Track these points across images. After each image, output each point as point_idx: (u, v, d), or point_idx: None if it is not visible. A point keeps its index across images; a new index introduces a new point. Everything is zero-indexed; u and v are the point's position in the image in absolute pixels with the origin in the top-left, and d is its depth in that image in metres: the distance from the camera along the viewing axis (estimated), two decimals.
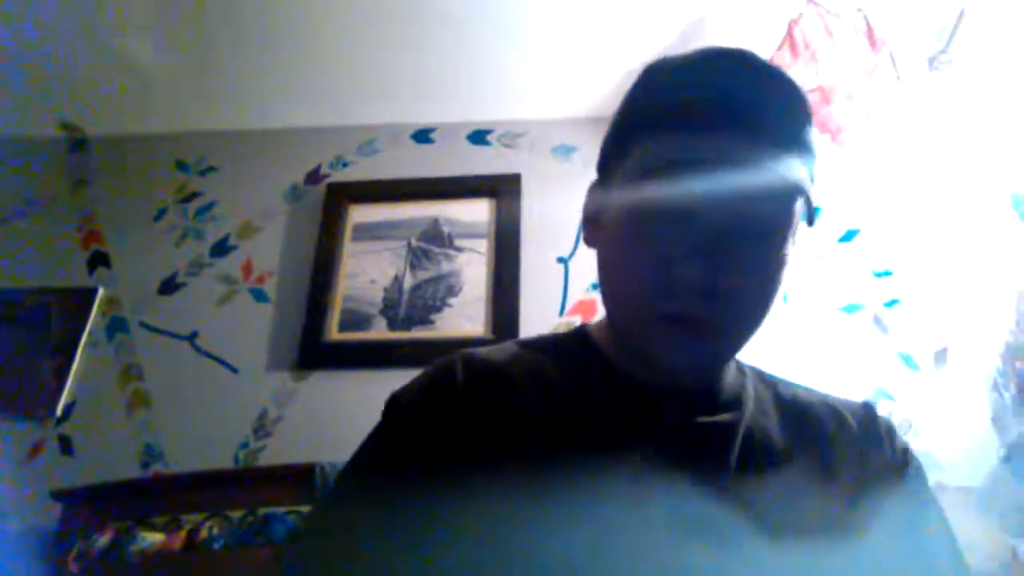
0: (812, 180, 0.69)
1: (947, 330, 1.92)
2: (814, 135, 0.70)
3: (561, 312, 2.20)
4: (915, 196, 2.06)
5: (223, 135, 2.67)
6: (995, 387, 1.70)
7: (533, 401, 0.72)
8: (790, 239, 0.67)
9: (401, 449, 0.72)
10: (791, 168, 0.64)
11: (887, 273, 2.06)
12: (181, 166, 2.62)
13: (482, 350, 0.80)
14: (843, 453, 0.73)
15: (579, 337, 0.82)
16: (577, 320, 2.17)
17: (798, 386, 0.82)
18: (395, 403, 0.77)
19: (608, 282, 0.73)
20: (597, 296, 2.20)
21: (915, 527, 0.71)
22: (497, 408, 0.71)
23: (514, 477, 0.64)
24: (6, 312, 2.30)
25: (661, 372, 0.70)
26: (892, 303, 2.03)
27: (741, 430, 0.71)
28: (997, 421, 1.69)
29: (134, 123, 2.67)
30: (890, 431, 0.77)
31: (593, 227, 0.78)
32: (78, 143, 2.71)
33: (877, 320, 2.02)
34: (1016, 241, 1.79)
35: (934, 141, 2.04)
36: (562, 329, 2.09)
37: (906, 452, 0.76)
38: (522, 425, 0.69)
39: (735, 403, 0.74)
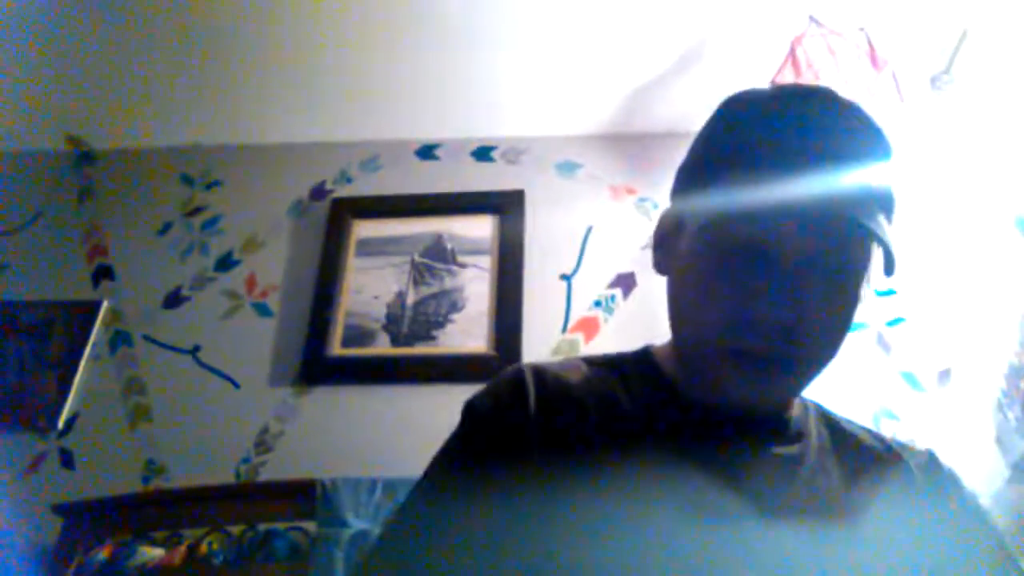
0: (891, 223, 0.70)
1: (951, 350, 1.91)
2: (894, 177, 0.71)
3: (564, 329, 2.20)
4: (919, 216, 2.06)
5: (228, 149, 2.68)
6: (999, 407, 1.70)
7: (601, 421, 0.71)
8: (865, 282, 0.68)
9: (477, 453, 0.72)
10: (870, 214, 0.64)
11: (891, 292, 2.06)
12: (186, 180, 2.63)
13: (549, 364, 0.80)
14: (903, 497, 0.72)
15: (645, 359, 0.81)
16: (580, 337, 2.17)
17: (858, 425, 0.82)
18: (471, 409, 0.77)
19: (681, 311, 0.73)
20: (600, 313, 2.21)
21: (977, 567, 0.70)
22: (565, 423, 0.71)
23: (578, 492, 0.64)
24: (9, 324, 2.31)
25: (730, 405, 0.69)
26: (896, 322, 2.02)
27: (807, 462, 0.71)
28: (1001, 441, 1.68)
29: (140, 137, 2.69)
30: (954, 479, 0.76)
31: (665, 254, 0.78)
32: (84, 156, 2.72)
33: (881, 339, 2.01)
34: (1020, 261, 1.79)
35: (937, 161, 2.04)
36: (564, 345, 2.11)
37: (973, 500, 0.76)
38: (590, 445, 0.69)
39: (800, 436, 0.74)
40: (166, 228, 2.53)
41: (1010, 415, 1.66)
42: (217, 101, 2.52)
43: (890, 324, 2.02)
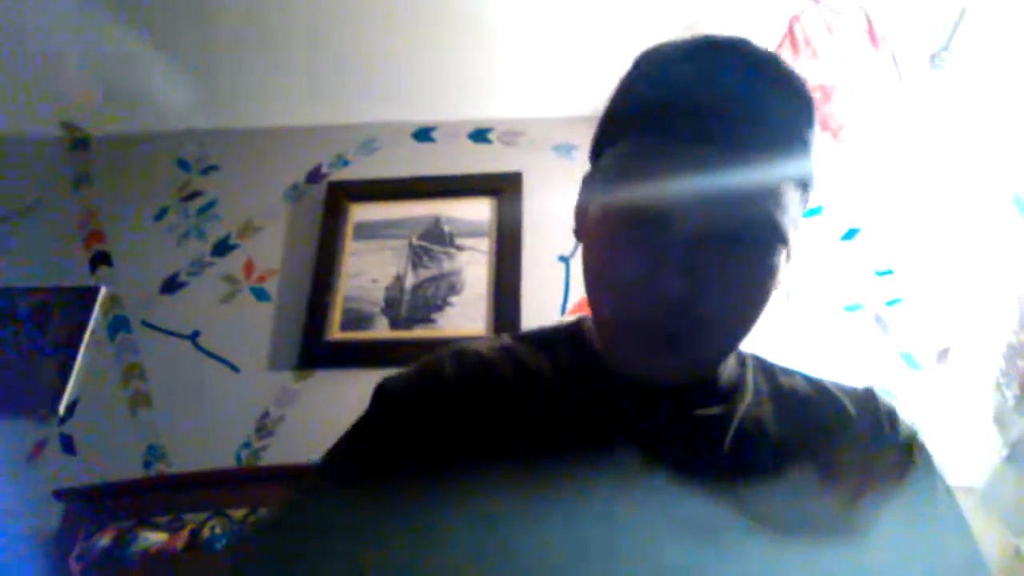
0: (808, 183, 0.67)
1: (949, 329, 1.91)
2: (814, 135, 0.67)
3: (563, 311, 2.20)
4: (917, 194, 2.05)
5: (224, 133, 2.66)
6: (997, 387, 1.70)
7: (522, 397, 0.70)
8: (779, 249, 0.64)
9: (385, 438, 0.71)
10: (778, 196, 0.62)
11: (889, 272, 2.06)
12: (182, 165, 2.62)
13: (474, 344, 0.79)
14: (842, 443, 0.70)
15: (574, 332, 0.80)
16: None
17: (798, 373, 0.79)
18: (382, 391, 0.76)
19: (589, 282, 0.70)
20: None
21: (924, 516, 0.67)
22: (484, 403, 0.70)
23: (499, 473, 0.63)
24: (8, 311, 2.31)
25: (641, 376, 0.67)
26: (894, 302, 2.02)
27: (735, 422, 0.69)
28: (999, 421, 1.68)
29: (135, 122, 2.67)
30: (891, 416, 0.73)
31: (581, 221, 0.75)
32: (79, 142, 2.71)
33: (878, 319, 2.01)
34: (1018, 240, 1.78)
35: (936, 139, 2.03)
36: None
37: (911, 437, 0.72)
38: (509, 421, 0.68)
39: (731, 395, 0.72)
40: (163, 213, 2.52)
41: (1008, 394, 1.66)
42: (212, 85, 2.50)
43: (888, 304, 2.02)
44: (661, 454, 0.64)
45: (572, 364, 0.74)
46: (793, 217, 0.64)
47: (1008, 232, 1.81)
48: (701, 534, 0.60)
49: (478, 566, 0.59)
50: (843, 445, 0.70)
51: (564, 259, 2.28)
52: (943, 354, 1.90)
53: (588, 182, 0.76)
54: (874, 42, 1.85)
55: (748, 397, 0.72)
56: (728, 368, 0.74)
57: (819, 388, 0.76)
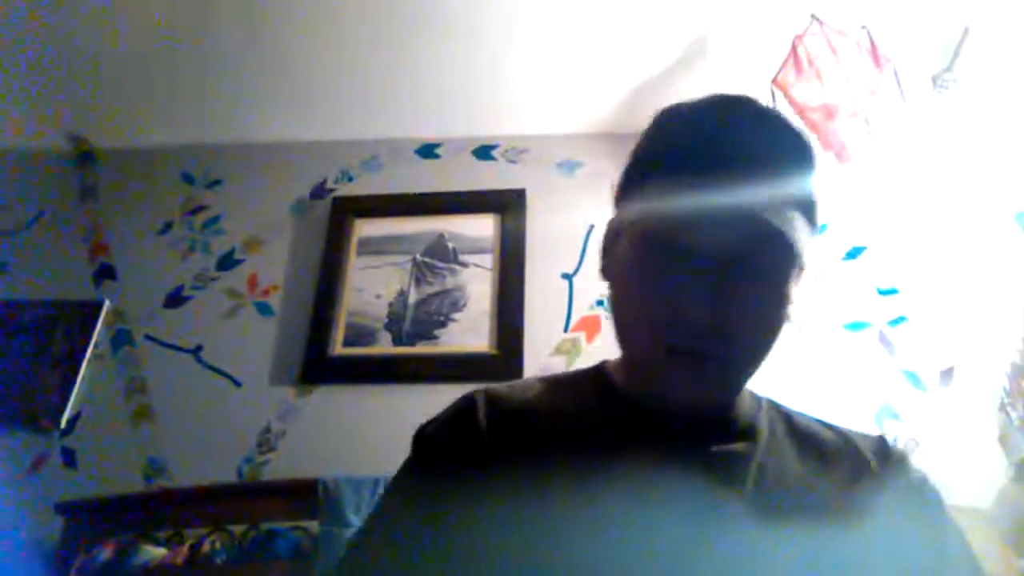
0: (814, 224, 0.72)
1: (953, 348, 1.91)
2: (815, 181, 0.73)
3: (566, 328, 2.20)
4: (920, 214, 2.06)
5: (229, 148, 2.68)
6: (1002, 406, 1.70)
7: (552, 436, 0.74)
8: (792, 278, 0.70)
9: (428, 483, 0.74)
10: (780, 213, 0.66)
11: (893, 291, 2.06)
12: (187, 179, 2.63)
13: (503, 387, 0.82)
14: (858, 485, 0.73)
15: (596, 373, 0.84)
16: (582, 336, 2.17)
17: (811, 418, 0.83)
18: (420, 437, 0.80)
19: (619, 316, 0.76)
20: (602, 312, 2.20)
21: (935, 556, 0.70)
22: (516, 444, 0.73)
23: (535, 511, 0.66)
24: (12, 324, 2.31)
25: (672, 404, 0.71)
26: (898, 321, 2.02)
27: (756, 459, 0.72)
28: (1004, 440, 1.68)
29: (141, 136, 2.69)
30: (904, 462, 0.77)
31: (608, 261, 0.81)
32: (85, 156, 2.72)
33: (883, 338, 2.01)
34: (1022, 259, 1.78)
35: (939, 159, 2.04)
36: (566, 344, 2.11)
37: (925, 484, 0.75)
38: (542, 462, 0.71)
39: (749, 432, 0.75)
40: (167, 227, 2.53)
41: (1013, 414, 1.66)
42: (217, 100, 2.52)
43: (892, 323, 2.02)
44: (685, 487, 0.68)
45: (597, 403, 0.78)
46: (804, 243, 0.69)
47: (1012, 251, 1.81)
48: (722, 568, 0.63)
49: None
50: (859, 487, 0.73)
51: (568, 276, 2.29)
52: (947, 373, 1.89)
53: (614, 225, 0.81)
54: (877, 63, 1.86)
55: (765, 435, 0.76)
56: (744, 406, 0.78)
57: (834, 431, 0.80)
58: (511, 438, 0.74)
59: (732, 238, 0.66)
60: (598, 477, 0.69)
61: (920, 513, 0.73)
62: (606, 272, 0.81)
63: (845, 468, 0.74)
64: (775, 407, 0.82)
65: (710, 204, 0.66)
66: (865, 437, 0.79)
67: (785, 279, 0.69)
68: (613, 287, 0.78)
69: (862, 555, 0.66)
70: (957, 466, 1.67)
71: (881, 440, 0.79)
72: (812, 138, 0.74)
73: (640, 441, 0.72)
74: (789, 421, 0.80)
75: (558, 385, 0.83)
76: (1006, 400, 1.69)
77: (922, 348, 1.96)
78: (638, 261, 0.71)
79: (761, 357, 0.71)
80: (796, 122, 0.73)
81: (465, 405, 0.79)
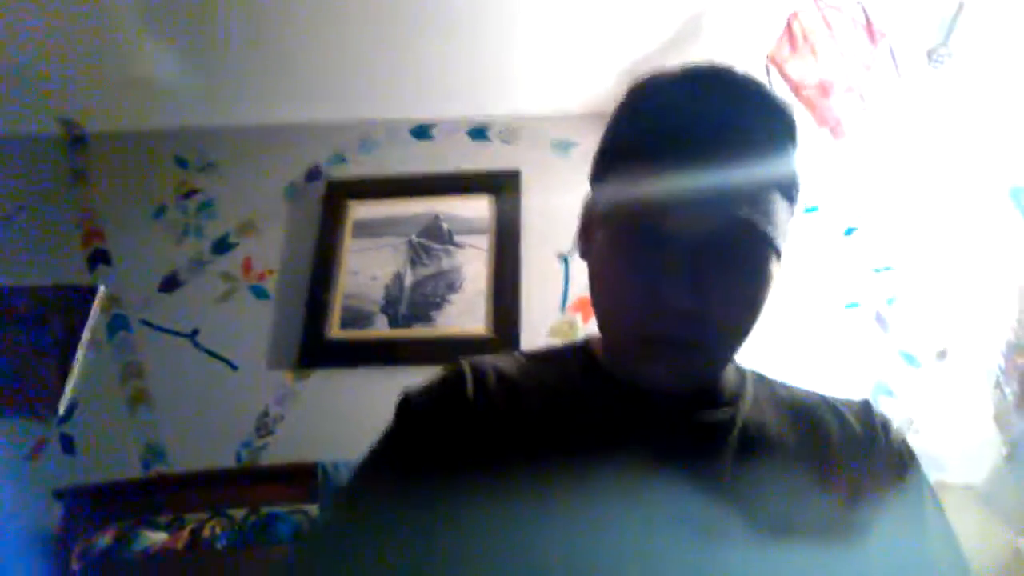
0: (794, 195, 0.71)
1: (948, 327, 1.91)
2: (796, 150, 0.71)
3: (562, 308, 2.20)
4: (915, 191, 2.05)
5: (223, 131, 2.66)
6: (996, 384, 1.70)
7: (537, 408, 0.74)
8: (769, 261, 0.68)
9: (412, 450, 0.74)
10: (760, 204, 0.66)
11: (888, 269, 2.06)
12: (180, 162, 2.61)
13: (488, 358, 0.82)
14: (841, 450, 0.73)
15: (579, 349, 0.84)
16: (578, 317, 2.17)
17: (795, 387, 0.83)
18: (406, 405, 0.79)
19: (597, 299, 0.75)
20: None
21: (914, 524, 0.71)
22: (503, 415, 0.74)
23: (519, 481, 0.66)
24: (6, 310, 2.30)
25: (652, 387, 0.71)
26: (893, 300, 2.02)
27: (737, 425, 0.73)
28: (999, 419, 1.69)
29: (133, 119, 2.66)
30: (887, 427, 0.77)
31: (585, 243, 0.81)
32: (77, 140, 2.70)
33: (878, 317, 2.02)
34: (1017, 236, 1.78)
35: (933, 135, 2.03)
36: (563, 325, 2.12)
37: (904, 448, 0.76)
38: (526, 431, 0.72)
39: (732, 402, 0.76)
40: (161, 211, 2.51)
41: (1008, 392, 1.66)
42: (210, 82, 2.50)
43: (888, 302, 2.02)
44: (668, 457, 0.68)
45: (582, 379, 0.79)
46: (781, 225, 0.68)
47: (1006, 228, 1.81)
48: (707, 534, 0.63)
49: (497, 568, 0.63)
50: (842, 451, 0.74)
51: (563, 257, 2.28)
52: (943, 352, 1.90)
53: (591, 205, 0.80)
54: (872, 38, 1.85)
55: (748, 404, 0.76)
56: (729, 377, 0.78)
57: (817, 398, 0.81)
58: (497, 410, 0.74)
59: (707, 225, 0.65)
60: (584, 450, 0.69)
61: (902, 477, 0.74)
62: (584, 252, 0.81)
63: (829, 431, 0.75)
64: (759, 377, 0.83)
65: (685, 190, 0.65)
66: (849, 402, 0.80)
67: (762, 263, 0.68)
68: (591, 269, 0.77)
69: (844, 515, 0.67)
70: (951, 444, 1.68)
71: (865, 403, 0.80)
72: (796, 111, 0.72)
73: (623, 415, 0.73)
74: (771, 388, 0.81)
75: (542, 359, 0.83)
76: (1001, 378, 1.69)
77: (917, 327, 1.97)
78: (614, 246, 0.71)
79: (741, 340, 0.70)
80: (777, 94, 0.71)
81: (452, 375, 0.79)
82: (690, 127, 0.66)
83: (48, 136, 2.70)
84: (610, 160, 0.75)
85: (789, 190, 0.70)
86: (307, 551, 0.75)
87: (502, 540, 0.63)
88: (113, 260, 2.43)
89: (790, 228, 0.71)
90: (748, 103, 0.68)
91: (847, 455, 0.73)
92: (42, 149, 2.68)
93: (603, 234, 0.72)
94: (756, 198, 0.65)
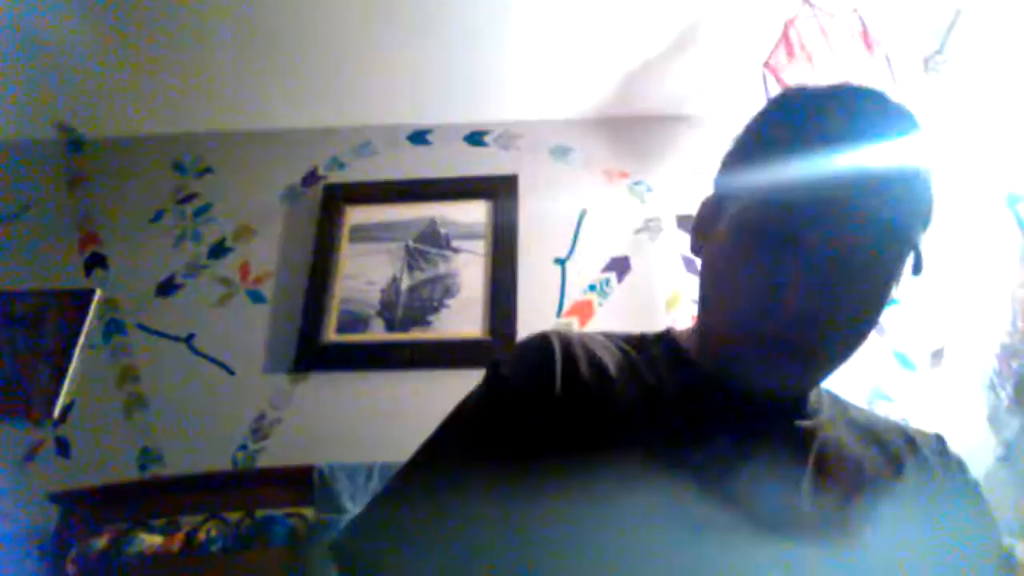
0: (926, 226, 0.71)
1: (943, 330, 1.92)
2: (934, 183, 0.72)
3: (559, 313, 2.21)
4: None
5: (219, 136, 2.67)
6: (991, 386, 1.71)
7: (622, 386, 0.73)
8: (895, 280, 0.68)
9: (498, 420, 0.73)
10: (904, 219, 0.66)
11: None
12: (178, 167, 2.62)
13: (575, 333, 0.81)
14: (914, 475, 0.74)
15: (666, 338, 0.83)
16: (575, 321, 2.18)
17: (869, 410, 0.84)
18: (496, 368, 0.78)
19: (710, 296, 0.75)
20: (594, 297, 2.21)
21: (981, 553, 0.72)
22: (590, 397, 0.72)
23: (605, 458, 0.66)
24: (2, 314, 2.30)
25: (751, 388, 0.71)
26: (889, 302, 2.03)
27: (817, 437, 0.73)
28: (993, 420, 1.69)
29: (131, 124, 2.67)
30: (962, 465, 0.79)
31: (701, 238, 0.79)
32: (75, 144, 2.71)
33: None
34: (1012, 241, 1.79)
35: (929, 141, 2.04)
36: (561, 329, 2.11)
37: (979, 489, 0.78)
38: (612, 415, 0.71)
39: (814, 414, 0.76)
40: (158, 216, 2.52)
41: (1002, 394, 1.67)
42: (207, 88, 2.51)
43: None
44: (757, 459, 0.68)
45: (667, 367, 0.77)
46: (915, 250, 0.68)
47: (1001, 233, 1.82)
48: (787, 537, 0.63)
49: (575, 545, 0.62)
50: (915, 478, 0.74)
51: (560, 261, 2.29)
52: (937, 354, 1.91)
53: (713, 204, 0.79)
54: (868, 46, 1.86)
55: (826, 418, 0.76)
56: (812, 392, 0.78)
57: (891, 423, 0.82)
58: (584, 384, 0.73)
59: (859, 240, 0.64)
60: (673, 443, 0.68)
61: (973, 512, 0.75)
62: (697, 249, 0.80)
63: (903, 457, 0.75)
64: (833, 396, 0.83)
65: (833, 199, 0.64)
66: (922, 432, 0.81)
67: (891, 283, 0.68)
68: (707, 264, 0.76)
69: (915, 540, 0.67)
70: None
71: (939, 438, 0.81)
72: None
73: (716, 412, 0.72)
74: (845, 408, 0.81)
75: (627, 343, 0.82)
76: (995, 380, 1.70)
77: (912, 329, 1.97)
78: (743, 242, 0.70)
79: (848, 355, 0.70)
80: (915, 115, 0.70)
81: (542, 352, 0.77)
82: (845, 138, 0.65)
83: (46, 140, 2.71)
84: (752, 155, 0.73)
85: (928, 217, 0.71)
86: (383, 503, 0.74)
87: (579, 524, 0.63)
88: (110, 264, 2.43)
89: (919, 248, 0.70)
90: (899, 122, 0.68)
91: (920, 482, 0.74)
92: (40, 153, 2.69)
93: (730, 233, 0.71)
94: (901, 219, 0.66)
